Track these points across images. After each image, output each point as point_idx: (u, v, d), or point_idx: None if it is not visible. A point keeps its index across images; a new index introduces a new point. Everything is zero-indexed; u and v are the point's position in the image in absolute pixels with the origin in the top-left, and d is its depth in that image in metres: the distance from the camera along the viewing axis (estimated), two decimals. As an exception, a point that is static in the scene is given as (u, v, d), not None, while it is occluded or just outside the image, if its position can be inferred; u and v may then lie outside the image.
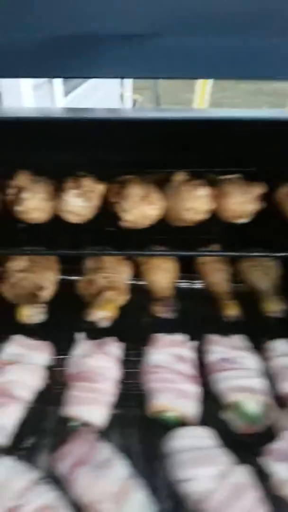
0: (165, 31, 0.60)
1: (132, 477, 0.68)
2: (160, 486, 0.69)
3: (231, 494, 0.63)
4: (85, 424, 0.76)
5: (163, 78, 0.63)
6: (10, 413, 0.77)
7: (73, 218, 0.90)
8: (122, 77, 0.67)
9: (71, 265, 1.20)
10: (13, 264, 1.09)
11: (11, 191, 0.90)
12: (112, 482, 0.65)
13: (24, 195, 0.87)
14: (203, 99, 4.03)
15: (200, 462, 0.67)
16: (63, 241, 0.98)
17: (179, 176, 0.87)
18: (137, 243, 0.98)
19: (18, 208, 0.88)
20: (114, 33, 0.60)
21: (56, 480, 0.70)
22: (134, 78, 0.67)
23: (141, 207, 0.85)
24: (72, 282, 1.17)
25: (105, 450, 0.71)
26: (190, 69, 0.61)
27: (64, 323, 1.04)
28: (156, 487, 0.69)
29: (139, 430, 0.80)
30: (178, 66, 0.60)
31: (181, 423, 0.75)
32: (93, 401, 0.77)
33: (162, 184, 0.95)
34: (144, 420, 0.81)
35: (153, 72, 0.64)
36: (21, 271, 1.08)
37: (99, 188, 0.93)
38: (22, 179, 0.91)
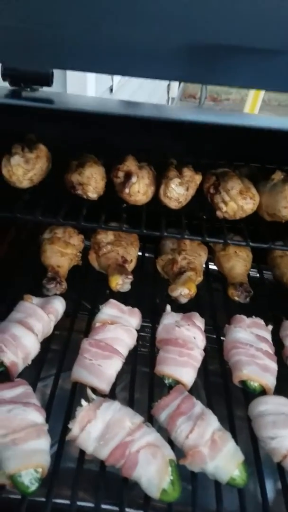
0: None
1: (222, 429, 0.80)
2: (241, 445, 0.82)
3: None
4: (177, 382, 0.88)
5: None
6: (114, 364, 0.89)
7: (173, 204, 1.00)
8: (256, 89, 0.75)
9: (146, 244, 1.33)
10: (102, 237, 1.21)
11: (120, 174, 1.01)
12: (207, 431, 0.77)
13: (133, 179, 0.97)
14: (255, 106, 4.09)
15: (284, 424, 0.78)
16: (150, 222, 1.09)
17: (278, 175, 0.95)
18: (214, 231, 1.08)
19: (126, 191, 0.99)
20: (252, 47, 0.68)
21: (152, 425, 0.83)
22: (265, 90, 0.74)
23: (239, 201, 0.94)
24: (144, 258, 1.30)
25: (199, 405, 0.82)
26: None
27: (142, 295, 1.16)
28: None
29: (219, 397, 0.92)
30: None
31: (263, 392, 0.87)
32: (186, 364, 0.89)
33: (253, 178, 1.05)
34: (223, 386, 0.93)
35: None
36: (109, 243, 1.20)
37: (198, 178, 1.03)
38: (130, 164, 1.02)
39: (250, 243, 0.97)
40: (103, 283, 1.15)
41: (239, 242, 1.01)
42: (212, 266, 1.31)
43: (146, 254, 1.35)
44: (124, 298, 1.12)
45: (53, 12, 0.59)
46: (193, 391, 0.91)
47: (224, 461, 0.74)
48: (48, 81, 0.95)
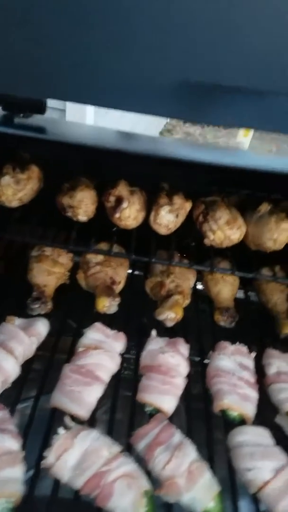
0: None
1: (200, 460, 0.80)
2: (219, 470, 0.82)
3: (285, 484, 0.75)
4: (158, 411, 0.88)
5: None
6: (94, 391, 0.89)
7: (162, 231, 1.01)
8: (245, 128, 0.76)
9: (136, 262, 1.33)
10: (92, 256, 1.21)
11: (111, 198, 1.02)
12: (184, 462, 0.77)
13: (124, 204, 0.98)
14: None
15: (261, 456, 0.78)
16: (141, 242, 1.09)
17: (265, 206, 0.97)
18: (203, 255, 1.09)
19: (116, 215, 0.99)
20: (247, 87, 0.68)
21: (131, 454, 0.82)
22: (256, 130, 0.75)
23: (226, 231, 0.96)
24: (134, 276, 1.31)
25: (178, 434, 0.82)
26: None
27: (129, 315, 1.16)
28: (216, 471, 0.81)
29: (200, 422, 0.92)
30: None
31: (243, 421, 0.88)
32: (168, 392, 0.89)
33: (242, 206, 1.06)
34: (205, 413, 0.93)
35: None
36: (98, 264, 1.20)
37: (188, 205, 1.04)
38: (122, 189, 1.03)
39: (236, 272, 0.98)
40: (91, 302, 1.15)
41: (225, 271, 1.02)
42: (201, 286, 1.32)
43: (136, 272, 1.35)
44: (111, 317, 1.12)
45: (49, 43, 0.60)
46: (174, 415, 0.91)
47: (199, 492, 0.74)
48: (42, 109, 0.96)
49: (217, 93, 0.70)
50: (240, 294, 1.31)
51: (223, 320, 1.13)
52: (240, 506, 0.78)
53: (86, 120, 1.86)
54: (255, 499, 0.78)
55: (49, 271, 1.15)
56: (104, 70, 0.67)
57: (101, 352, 0.95)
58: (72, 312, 1.18)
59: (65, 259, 1.21)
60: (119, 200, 0.98)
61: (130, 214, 0.98)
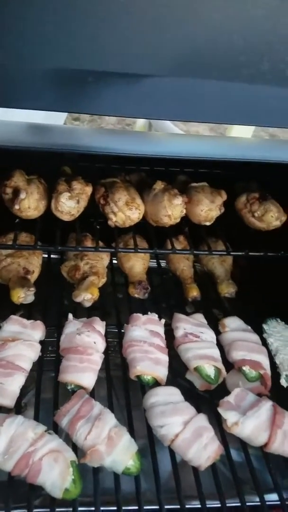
0: (164, 73, 0.69)
1: (118, 425, 0.89)
2: (138, 430, 0.92)
3: (193, 434, 0.87)
4: (80, 387, 0.95)
5: (161, 119, 0.75)
6: (16, 381, 0.93)
7: (65, 218, 1.03)
8: (120, 116, 0.78)
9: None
10: (1, 249, 1.20)
11: (8, 190, 1.01)
12: (104, 430, 0.86)
13: (21, 195, 0.98)
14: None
15: (171, 413, 0.89)
16: (49, 230, 1.10)
17: (159, 185, 1.03)
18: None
19: (16, 207, 0.99)
20: (114, 71, 0.70)
21: (56, 431, 0.89)
22: (131, 117, 0.77)
23: (126, 211, 1.00)
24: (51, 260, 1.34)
25: (97, 406, 0.91)
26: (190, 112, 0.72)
27: (49, 299, 1.20)
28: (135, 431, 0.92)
29: (120, 388, 1.02)
30: (181, 109, 0.71)
31: (156, 383, 0.98)
32: (86, 369, 0.96)
33: (141, 185, 1.12)
34: (123, 381, 1.02)
35: (150, 113, 0.75)
36: (9, 256, 1.20)
37: (88, 190, 1.06)
38: (17, 179, 1.02)
39: (138, 250, 1.05)
40: (8, 292, 1.16)
41: (128, 250, 1.08)
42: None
43: (53, 256, 1.38)
44: (31, 304, 1.16)
45: None
46: (99, 386, 0.99)
47: (119, 454, 0.83)
48: None
49: (89, 80, 0.69)
50: (154, 264, 1.40)
51: (137, 293, 1.21)
52: (160, 458, 0.89)
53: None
54: (171, 451, 0.90)
55: None
56: None
57: (20, 342, 0.98)
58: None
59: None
60: (16, 192, 0.98)
61: (29, 205, 0.99)
